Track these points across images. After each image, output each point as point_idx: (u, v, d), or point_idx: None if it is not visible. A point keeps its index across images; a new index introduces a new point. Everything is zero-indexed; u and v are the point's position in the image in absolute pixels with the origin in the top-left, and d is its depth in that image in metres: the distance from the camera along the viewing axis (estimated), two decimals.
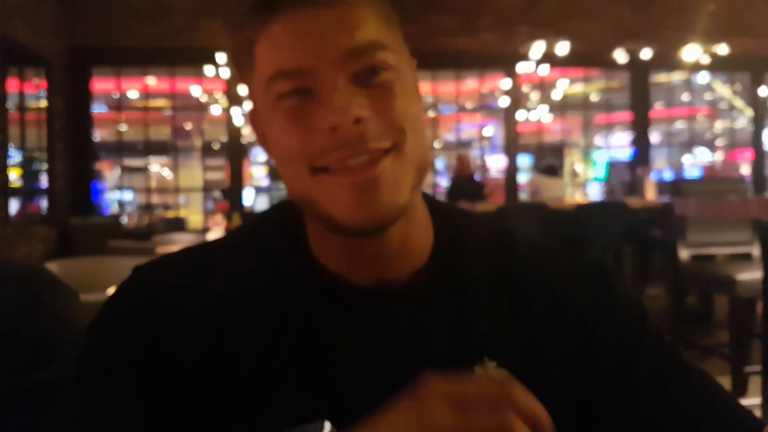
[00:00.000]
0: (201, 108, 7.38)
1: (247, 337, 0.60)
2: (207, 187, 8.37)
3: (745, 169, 9.57)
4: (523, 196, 7.57)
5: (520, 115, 7.62)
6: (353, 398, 0.58)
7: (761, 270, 2.52)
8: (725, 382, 3.06)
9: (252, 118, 0.66)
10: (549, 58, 6.48)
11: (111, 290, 0.75)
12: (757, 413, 2.32)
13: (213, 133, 9.93)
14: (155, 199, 8.45)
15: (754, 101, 8.19)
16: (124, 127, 8.04)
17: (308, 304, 0.62)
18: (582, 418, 0.63)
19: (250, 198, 8.79)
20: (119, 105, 7.54)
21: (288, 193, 0.62)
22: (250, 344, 0.60)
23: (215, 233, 4.24)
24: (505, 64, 6.81)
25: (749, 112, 8.54)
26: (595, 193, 8.60)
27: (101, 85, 7.11)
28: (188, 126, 8.94)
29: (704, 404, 0.63)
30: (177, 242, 5.41)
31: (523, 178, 8.29)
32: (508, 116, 7.37)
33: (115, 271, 2.94)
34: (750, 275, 2.96)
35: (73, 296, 0.81)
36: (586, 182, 7.90)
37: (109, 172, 10.50)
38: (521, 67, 6.75)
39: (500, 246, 0.68)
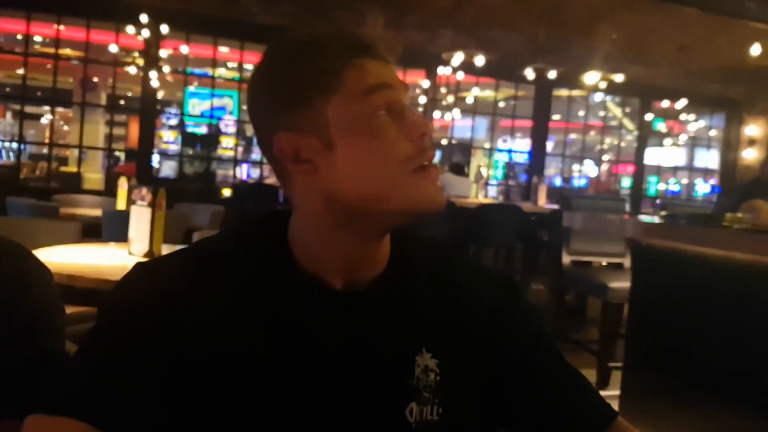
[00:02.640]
0: (115, 63, 7.08)
1: (238, 330, 0.69)
2: (109, 144, 8.02)
3: (625, 182, 10.49)
4: None
5: (436, 113, 8.00)
6: (321, 378, 0.70)
7: (630, 280, 2.81)
8: (591, 374, 3.36)
9: (287, 141, 0.71)
10: (467, 65, 6.75)
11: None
12: (616, 403, 2.72)
13: (121, 90, 9.49)
14: (49, 150, 7.91)
15: (640, 123, 9.00)
16: (21, 71, 7.53)
17: (289, 302, 0.72)
18: (495, 396, 0.80)
19: (157, 163, 8.50)
20: (25, 49, 7.06)
21: (361, 193, 0.70)
22: (240, 335, 0.69)
23: (120, 200, 4.06)
24: (427, 63, 7.00)
25: (635, 132, 9.38)
26: (493, 192, 9.06)
27: (7, 25, 6.65)
28: (95, 79, 8.50)
29: (575, 390, 0.81)
30: (81, 204, 5.27)
31: None
32: (424, 114, 7.65)
33: (26, 234, 2.76)
34: (620, 283, 3.31)
35: (50, 275, 0.86)
36: (487, 182, 8.34)
37: (1, 118, 9.77)
38: (441, 70, 7.06)
39: (439, 260, 0.83)
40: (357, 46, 0.71)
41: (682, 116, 8.87)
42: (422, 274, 0.79)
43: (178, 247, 0.81)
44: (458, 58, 6.56)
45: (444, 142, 9.01)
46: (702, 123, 9.51)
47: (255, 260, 0.74)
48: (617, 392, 2.56)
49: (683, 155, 9.94)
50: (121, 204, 3.92)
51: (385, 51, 0.73)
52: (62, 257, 2.31)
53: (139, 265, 0.74)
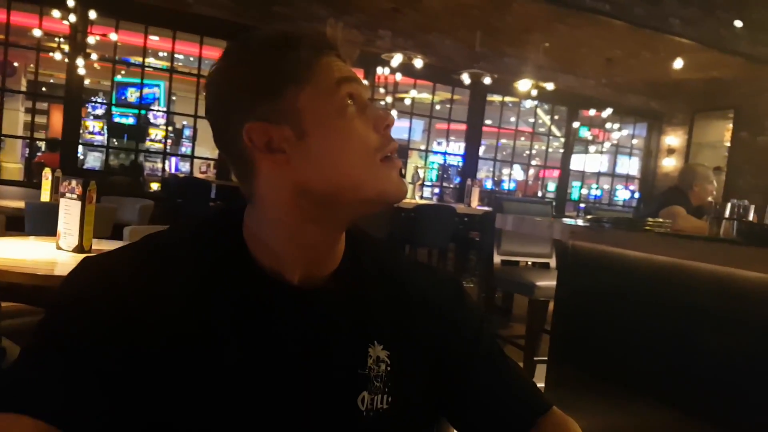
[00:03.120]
0: (38, 48, 6.74)
1: (191, 325, 0.70)
2: (30, 133, 7.63)
3: (551, 186, 10.90)
4: None
5: None
6: (278, 370, 0.72)
7: (555, 279, 2.93)
8: None
9: (256, 129, 0.72)
10: (405, 67, 6.83)
11: None
12: None
13: (43, 77, 9.04)
14: None
15: (567, 130, 9.37)
16: None
17: (244, 297, 0.73)
18: (439, 387, 0.84)
19: (81, 154, 8.15)
20: None
21: (331, 180, 0.72)
22: (195, 328, 0.70)
23: (44, 192, 3.92)
24: (366, 63, 7.01)
25: (562, 139, 9.75)
26: (428, 194, 9.20)
27: None
28: (15, 64, 8.07)
29: (513, 383, 0.87)
30: (2, 195, 5.00)
31: None
32: None
33: None
34: (547, 282, 3.48)
35: None
36: (423, 183, 8.45)
37: None
38: (380, 70, 7.11)
39: (389, 259, 0.87)
40: (325, 44, 0.75)
41: (607, 125, 9.28)
42: (374, 272, 0.83)
43: (107, 242, 0.80)
44: (397, 59, 6.64)
45: None
46: (625, 132, 9.98)
47: (209, 255, 0.74)
48: (542, 385, 2.66)
49: (606, 162, 10.40)
50: (45, 196, 3.77)
51: (347, 52, 0.77)
52: None
53: (87, 259, 0.73)
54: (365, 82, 7.42)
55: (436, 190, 9.82)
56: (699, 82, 8.15)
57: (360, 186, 0.72)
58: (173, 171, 8.76)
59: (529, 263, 4.49)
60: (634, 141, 10.09)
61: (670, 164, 9.42)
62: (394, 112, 7.29)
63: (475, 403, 0.84)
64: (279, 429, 0.72)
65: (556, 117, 10.13)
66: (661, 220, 2.54)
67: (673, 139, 9.42)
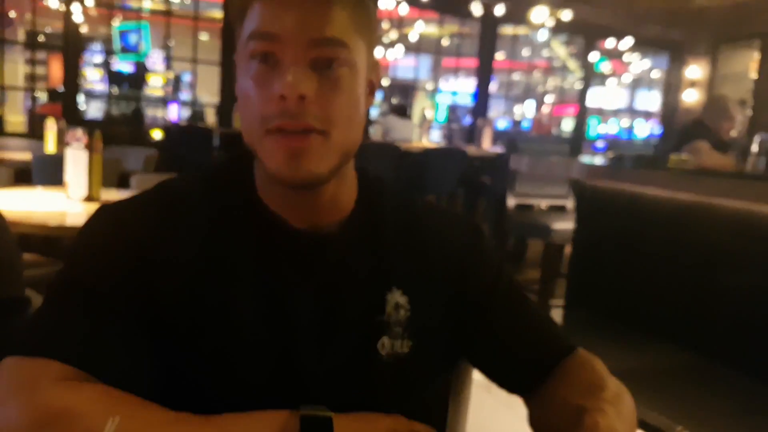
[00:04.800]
0: None
1: (210, 267, 0.71)
2: (32, 84, 7.58)
3: (566, 124, 10.73)
4: (372, 132, 7.85)
5: (378, 51, 7.81)
6: (294, 316, 0.73)
7: (572, 221, 2.94)
8: None
9: (236, 64, 0.74)
10: None
11: None
12: None
13: (39, 25, 8.89)
14: None
15: (584, 63, 9.18)
16: None
17: (259, 241, 0.74)
18: (460, 330, 0.85)
19: (82, 103, 8.10)
20: None
21: (244, 137, 0.72)
22: (213, 273, 0.71)
23: (49, 143, 3.94)
24: None
25: (579, 73, 9.56)
26: (436, 136, 9.08)
27: None
28: (12, 14, 7.94)
29: (536, 324, 0.88)
30: (6, 147, 5.03)
31: (372, 114, 8.47)
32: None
33: None
34: (563, 225, 3.46)
35: (4, 221, 0.87)
36: (431, 125, 8.33)
37: None
38: (383, 3, 6.93)
39: (405, 204, 0.87)
40: None
41: (626, 57, 9.06)
42: (390, 217, 0.83)
43: (115, 191, 0.81)
44: None
45: (385, 83, 8.91)
46: (645, 64, 9.75)
47: (222, 202, 0.76)
48: None
49: (625, 97, 10.22)
50: (50, 147, 3.78)
51: None
52: None
53: (104, 207, 0.75)
54: None
55: (445, 132, 9.68)
56: (723, 9, 7.89)
57: (257, 153, 0.71)
58: (175, 119, 8.70)
59: (543, 206, 4.47)
60: (654, 74, 9.87)
61: (692, 98, 9.20)
62: (393, 51, 7.08)
63: (498, 345, 0.85)
64: (297, 374, 0.73)
65: (572, 50, 9.89)
66: (684, 156, 2.51)
67: (696, 70, 9.18)
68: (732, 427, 1.95)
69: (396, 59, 7.94)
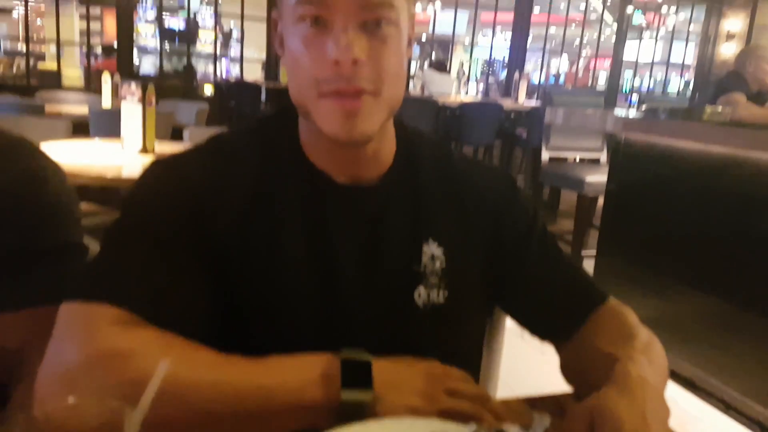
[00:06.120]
0: None
1: (260, 216, 0.73)
2: (87, 39, 7.63)
3: (601, 77, 10.37)
4: (410, 87, 7.74)
5: (417, 6, 7.62)
6: (341, 262, 0.74)
7: (605, 174, 2.88)
8: None
9: (275, 22, 0.74)
10: None
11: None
12: None
13: None
14: (23, 46, 7.48)
15: (621, 16, 8.78)
16: None
17: (304, 194, 0.75)
18: (495, 280, 0.84)
19: (136, 58, 8.15)
20: None
21: (291, 96, 0.72)
22: (262, 221, 0.73)
23: (105, 97, 3.99)
24: None
25: (615, 26, 9.16)
26: (473, 90, 8.91)
27: None
28: None
29: (568, 274, 0.86)
30: (65, 101, 5.11)
31: (410, 69, 8.33)
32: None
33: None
34: (596, 177, 3.36)
35: (61, 169, 0.87)
36: (468, 79, 8.17)
37: None
38: None
39: (442, 158, 0.85)
40: None
41: (663, 9, 8.62)
42: (427, 170, 0.82)
43: (169, 144, 0.81)
44: None
45: (424, 38, 8.73)
46: (682, 16, 9.28)
47: (270, 155, 0.76)
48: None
49: (660, 50, 9.79)
50: (106, 101, 3.82)
51: None
52: (57, 154, 2.27)
53: (159, 160, 0.76)
54: None
55: (482, 86, 9.48)
56: None
57: (307, 114, 0.71)
58: (225, 74, 8.71)
59: (577, 159, 4.37)
60: (691, 26, 9.39)
61: (729, 51, 8.73)
62: (432, 6, 6.92)
63: (532, 294, 0.84)
64: (337, 321, 0.73)
65: (608, 2, 9.47)
66: (719, 108, 2.40)
67: (734, 22, 8.68)
68: (763, 376, 1.92)
69: (435, 13, 7.73)
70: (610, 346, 0.74)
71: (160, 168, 0.75)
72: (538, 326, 0.85)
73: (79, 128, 3.32)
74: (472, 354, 0.86)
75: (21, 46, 7.98)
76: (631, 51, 9.15)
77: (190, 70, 7.99)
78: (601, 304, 0.83)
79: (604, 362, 0.70)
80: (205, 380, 0.60)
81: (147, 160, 0.75)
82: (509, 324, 0.94)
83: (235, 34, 9.92)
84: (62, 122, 2.96)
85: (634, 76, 9.67)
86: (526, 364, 1.84)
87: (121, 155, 2.36)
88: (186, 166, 0.75)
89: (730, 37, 8.73)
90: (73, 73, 8.20)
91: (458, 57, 8.92)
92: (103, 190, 1.87)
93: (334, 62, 0.65)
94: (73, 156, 2.25)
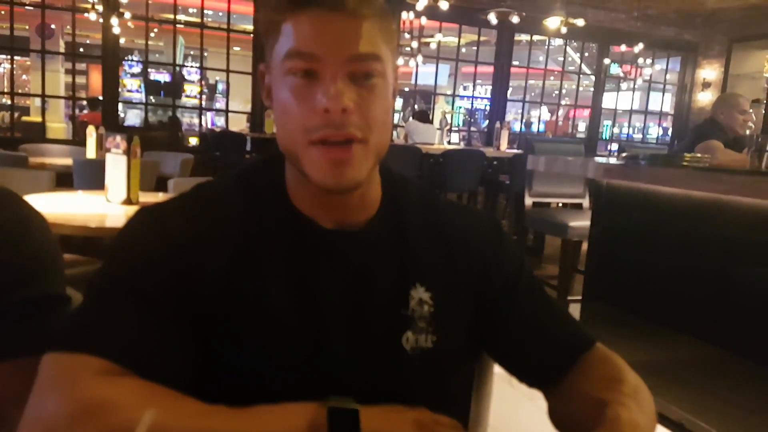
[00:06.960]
0: (73, 9, 6.73)
1: (244, 264, 0.72)
2: (72, 93, 7.70)
3: (581, 125, 10.60)
4: (395, 136, 7.87)
5: (400, 60, 7.84)
6: (322, 310, 0.73)
7: (589, 218, 2.92)
8: None
9: (262, 74, 0.76)
10: (431, 10, 6.61)
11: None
12: None
13: (79, 38, 9.05)
14: (9, 99, 7.50)
15: (598, 68, 9.04)
16: None
17: (290, 240, 0.75)
18: (482, 325, 0.84)
19: (121, 111, 8.21)
20: None
21: (280, 144, 0.73)
22: (247, 270, 0.72)
23: (90, 148, 4.00)
24: (391, 8, 6.87)
25: (593, 77, 9.42)
26: (455, 139, 9.07)
27: None
28: (53, 26, 8.09)
29: (556, 319, 0.86)
30: (49, 153, 5.12)
31: (394, 119, 8.42)
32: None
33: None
34: (580, 222, 3.40)
35: (45, 220, 0.86)
36: (450, 129, 8.33)
37: None
38: (405, 15, 6.90)
39: (428, 202, 0.86)
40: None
41: (639, 60, 8.89)
42: (413, 215, 0.82)
43: (153, 194, 0.81)
44: (422, 2, 6.42)
45: (407, 89, 8.90)
46: (658, 67, 9.57)
47: (255, 203, 0.76)
48: None
49: (638, 99, 10.06)
50: (91, 152, 3.83)
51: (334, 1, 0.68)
52: (41, 206, 2.26)
53: (144, 209, 0.76)
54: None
55: (464, 135, 9.65)
56: (736, 10, 7.73)
57: (296, 162, 0.72)
58: (209, 126, 8.79)
59: (560, 204, 4.43)
60: (668, 76, 9.69)
61: (705, 98, 8.98)
62: (413, 60, 7.08)
63: (519, 340, 0.84)
64: (326, 366, 0.73)
65: (586, 54, 9.78)
66: (699, 155, 2.45)
67: (709, 72, 8.97)
68: (750, 420, 1.91)
69: (417, 66, 7.93)
70: (598, 391, 0.73)
71: (144, 217, 0.75)
72: (525, 373, 0.85)
73: (63, 180, 3.32)
74: (460, 400, 0.87)
75: (5, 99, 8.01)
76: (609, 100, 9.38)
77: (175, 122, 8.05)
78: (588, 349, 0.83)
79: (593, 407, 0.69)
80: (190, 430, 0.59)
81: (131, 210, 0.75)
82: (497, 370, 0.93)
83: (221, 87, 10.07)
84: (46, 174, 2.96)
85: (614, 124, 9.90)
86: (515, 410, 1.82)
87: (105, 206, 2.35)
88: (170, 215, 0.75)
89: (706, 85, 9.00)
90: (57, 126, 8.24)
91: (440, 108, 9.09)
92: (86, 241, 1.86)
93: (324, 110, 0.67)
94: (56, 207, 2.24)
